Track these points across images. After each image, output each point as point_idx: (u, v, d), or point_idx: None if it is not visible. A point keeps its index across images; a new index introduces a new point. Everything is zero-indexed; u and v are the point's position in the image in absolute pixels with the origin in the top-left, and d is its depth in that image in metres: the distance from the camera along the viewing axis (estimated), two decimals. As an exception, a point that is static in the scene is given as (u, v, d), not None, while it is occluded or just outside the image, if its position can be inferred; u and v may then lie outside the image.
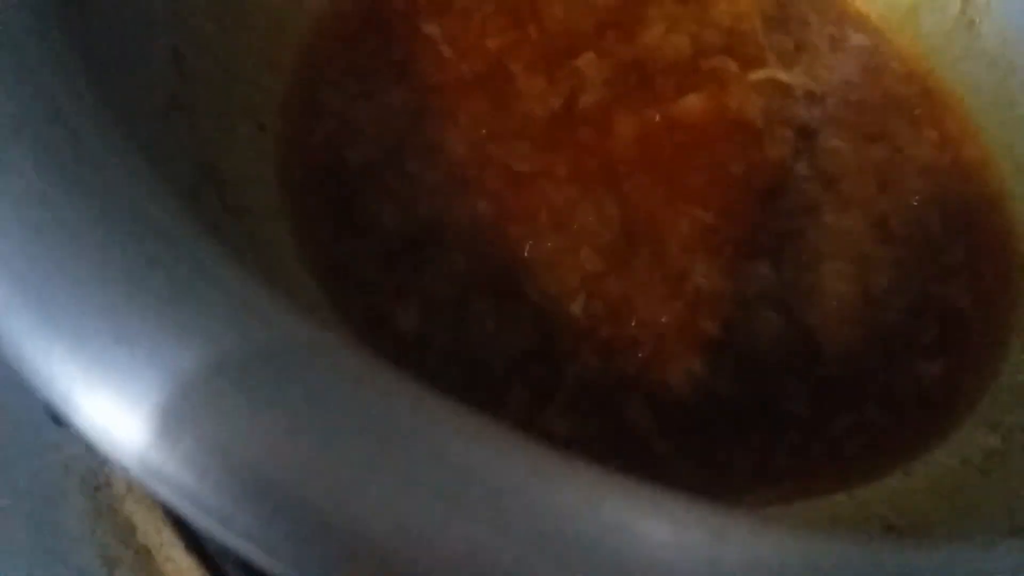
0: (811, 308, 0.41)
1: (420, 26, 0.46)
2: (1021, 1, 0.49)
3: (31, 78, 0.24)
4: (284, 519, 0.19)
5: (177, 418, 0.19)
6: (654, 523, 0.20)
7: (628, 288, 0.40)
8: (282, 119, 0.42)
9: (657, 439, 0.36)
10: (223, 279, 0.22)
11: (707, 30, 0.49)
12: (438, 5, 0.47)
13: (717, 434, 0.37)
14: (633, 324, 0.39)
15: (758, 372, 0.38)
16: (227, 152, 0.38)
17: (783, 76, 0.48)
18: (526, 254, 0.40)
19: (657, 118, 0.45)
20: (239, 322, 0.21)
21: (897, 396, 0.39)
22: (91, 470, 0.39)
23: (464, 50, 0.46)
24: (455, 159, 0.42)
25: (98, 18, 0.30)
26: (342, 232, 0.39)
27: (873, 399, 0.39)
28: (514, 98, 0.45)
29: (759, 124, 0.46)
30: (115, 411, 0.20)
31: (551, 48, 0.47)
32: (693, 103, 0.46)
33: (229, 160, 0.38)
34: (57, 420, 0.32)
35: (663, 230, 0.42)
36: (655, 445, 0.36)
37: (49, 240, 0.21)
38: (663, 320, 0.39)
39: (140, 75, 0.35)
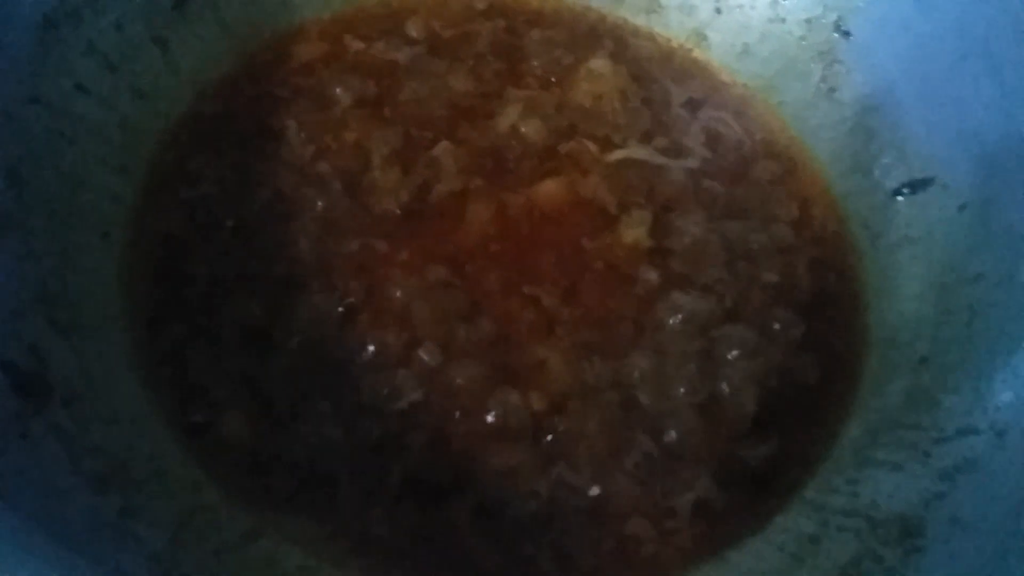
0: (652, 390, 0.42)
1: (278, 125, 0.47)
2: (880, 69, 0.50)
3: None
4: None
5: None
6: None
7: (465, 380, 0.40)
8: (130, 224, 0.43)
9: (472, 535, 0.37)
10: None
11: (565, 112, 0.50)
12: (298, 104, 0.48)
13: (531, 528, 0.37)
14: (464, 417, 0.40)
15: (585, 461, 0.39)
16: (62, 266, 0.39)
17: (641, 154, 0.49)
18: (365, 348, 0.41)
19: (511, 204, 0.46)
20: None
21: (728, 478, 0.39)
22: None
23: (321, 146, 0.47)
24: (300, 256, 0.43)
25: None
26: (180, 335, 0.40)
27: (708, 478, 0.39)
28: (367, 191, 0.46)
29: (614, 206, 0.47)
30: None
31: (407, 138, 0.48)
32: (549, 188, 0.47)
33: (64, 274, 0.39)
34: None
35: (508, 318, 0.43)
36: (469, 541, 0.37)
37: None
38: (493, 414, 0.39)
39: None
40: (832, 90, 0.52)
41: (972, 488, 0.35)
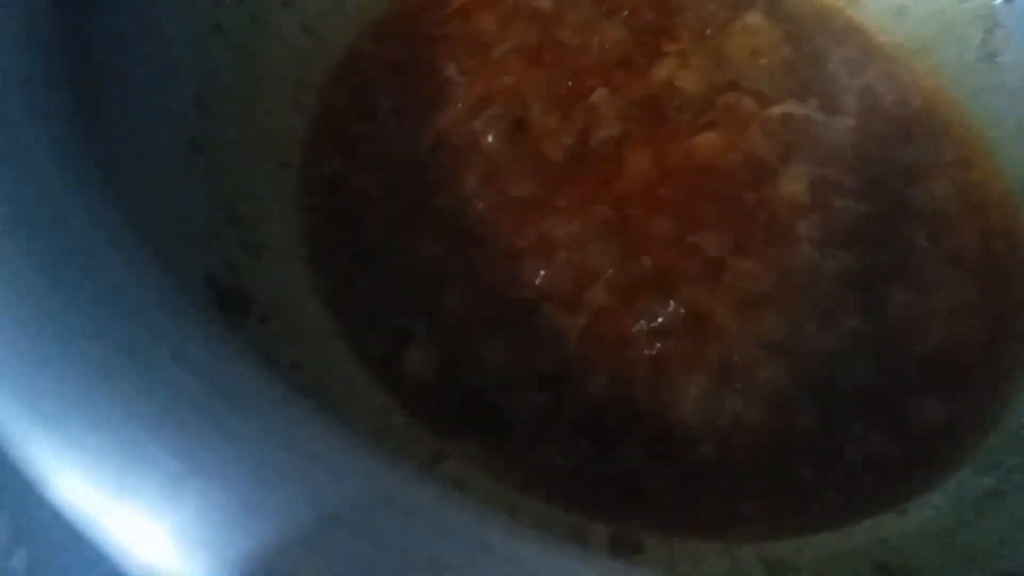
0: (821, 342, 0.41)
1: (439, 67, 0.48)
2: (1044, 33, 0.49)
3: (30, 171, 0.25)
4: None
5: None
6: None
7: (632, 323, 0.41)
8: (304, 156, 0.44)
9: (648, 476, 0.37)
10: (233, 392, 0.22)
11: (721, 66, 0.50)
12: (456, 46, 0.49)
13: (714, 472, 0.37)
14: (636, 358, 0.40)
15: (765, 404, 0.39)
16: (248, 191, 0.40)
17: (799, 110, 0.49)
18: (536, 287, 0.41)
19: (671, 154, 0.46)
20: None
21: (904, 432, 0.39)
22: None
23: (482, 89, 0.47)
24: (468, 195, 0.43)
25: (117, 75, 0.32)
26: (357, 266, 0.41)
27: (882, 432, 0.39)
28: (529, 135, 0.46)
29: (774, 160, 0.46)
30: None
31: (565, 85, 0.48)
32: (708, 139, 0.47)
33: (249, 199, 0.40)
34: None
35: (673, 265, 0.43)
36: (645, 482, 0.37)
37: (40, 346, 0.22)
38: (669, 352, 0.40)
39: (161, 122, 0.37)
40: (992, 55, 0.51)
41: None
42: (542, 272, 0.41)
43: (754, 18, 0.51)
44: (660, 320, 0.40)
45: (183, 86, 0.38)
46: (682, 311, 0.41)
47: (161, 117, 0.36)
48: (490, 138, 0.45)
